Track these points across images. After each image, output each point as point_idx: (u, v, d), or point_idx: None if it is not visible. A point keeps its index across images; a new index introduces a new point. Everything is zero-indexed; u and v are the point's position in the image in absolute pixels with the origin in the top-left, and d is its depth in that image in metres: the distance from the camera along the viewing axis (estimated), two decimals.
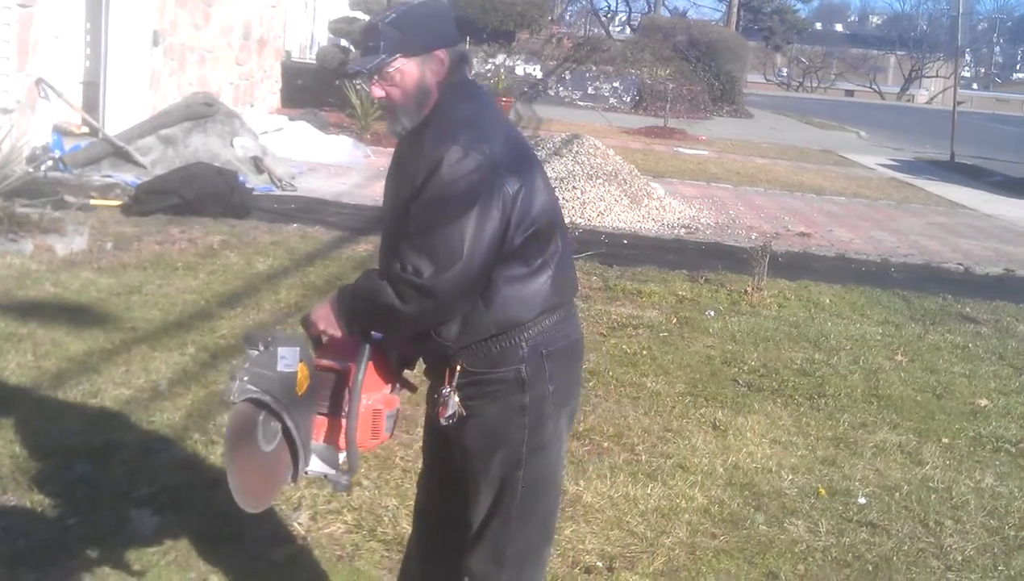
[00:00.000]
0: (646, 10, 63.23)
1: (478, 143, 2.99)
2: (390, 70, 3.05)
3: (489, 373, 3.11)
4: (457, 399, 3.11)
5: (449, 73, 3.10)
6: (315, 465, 3.16)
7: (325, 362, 3.16)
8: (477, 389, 3.12)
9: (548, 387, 3.16)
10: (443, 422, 3.12)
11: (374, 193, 12.53)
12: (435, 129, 3.06)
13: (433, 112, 3.10)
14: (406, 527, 4.31)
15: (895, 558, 4.92)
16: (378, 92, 3.08)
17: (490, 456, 3.16)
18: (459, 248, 2.92)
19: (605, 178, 13.75)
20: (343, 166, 15.20)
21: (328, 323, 3.12)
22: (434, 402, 3.18)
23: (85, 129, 13.01)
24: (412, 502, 3.66)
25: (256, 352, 3.01)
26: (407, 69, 3.05)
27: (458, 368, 3.11)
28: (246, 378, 2.97)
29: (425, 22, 3.07)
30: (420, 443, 3.80)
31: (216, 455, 5.20)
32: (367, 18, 3.21)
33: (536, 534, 3.29)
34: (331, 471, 3.18)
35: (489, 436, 3.15)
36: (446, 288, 2.94)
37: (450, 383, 3.10)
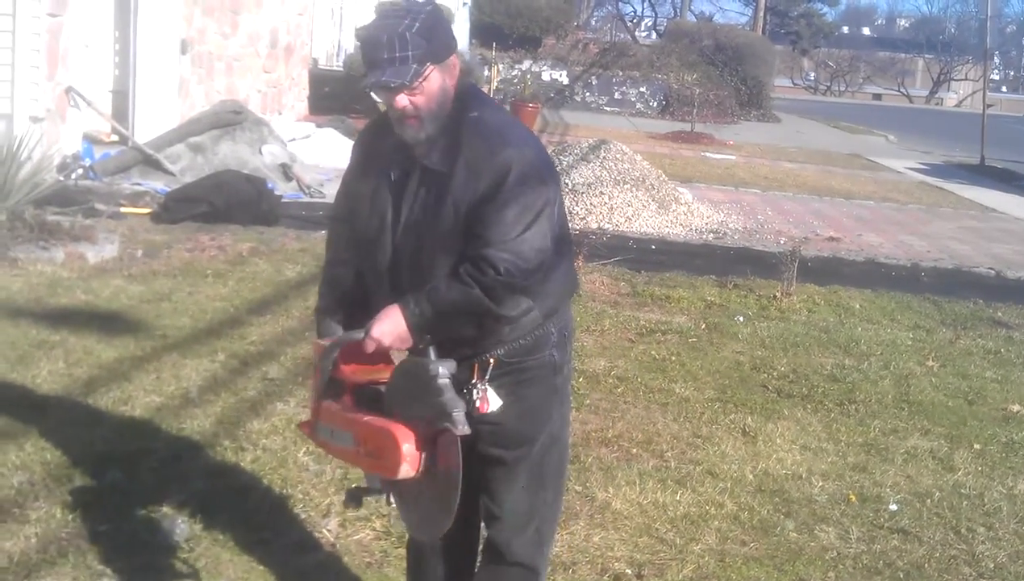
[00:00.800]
0: (672, 15, 63.20)
1: (528, 145, 3.15)
2: (420, 79, 3.06)
3: (525, 361, 3.24)
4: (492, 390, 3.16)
5: (461, 77, 3.17)
6: None
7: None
8: (513, 378, 3.23)
9: (569, 366, 3.40)
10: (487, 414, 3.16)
11: None
12: (475, 135, 3.09)
13: (452, 117, 3.12)
14: None
15: (927, 565, 4.89)
16: (403, 102, 3.06)
17: (534, 438, 3.32)
18: (544, 247, 3.10)
19: (632, 183, 13.72)
20: None
21: (396, 338, 3.07)
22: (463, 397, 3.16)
23: (115, 137, 13.09)
24: None
25: (448, 381, 3.02)
26: (432, 77, 3.07)
27: (491, 361, 3.19)
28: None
29: (442, 27, 3.10)
30: None
31: (247, 461, 5.22)
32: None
33: (559, 503, 3.57)
34: None
35: (534, 419, 3.30)
36: (539, 284, 3.16)
37: (481, 377, 3.14)
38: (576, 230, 10.56)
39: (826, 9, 66.12)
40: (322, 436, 3.29)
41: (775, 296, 9.68)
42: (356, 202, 3.30)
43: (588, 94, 33.97)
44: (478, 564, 3.60)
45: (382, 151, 3.24)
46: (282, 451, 5.37)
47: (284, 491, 4.96)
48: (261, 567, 4.35)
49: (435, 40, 3.05)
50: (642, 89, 34.08)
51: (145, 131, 13.13)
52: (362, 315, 3.22)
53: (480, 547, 3.60)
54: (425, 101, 3.07)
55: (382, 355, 3.17)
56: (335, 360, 3.19)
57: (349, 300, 3.38)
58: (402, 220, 3.16)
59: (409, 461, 2.99)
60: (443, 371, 3.00)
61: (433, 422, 2.99)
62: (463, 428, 2.95)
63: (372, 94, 3.16)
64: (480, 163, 3.06)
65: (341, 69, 24.00)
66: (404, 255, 3.17)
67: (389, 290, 3.18)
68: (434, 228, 3.11)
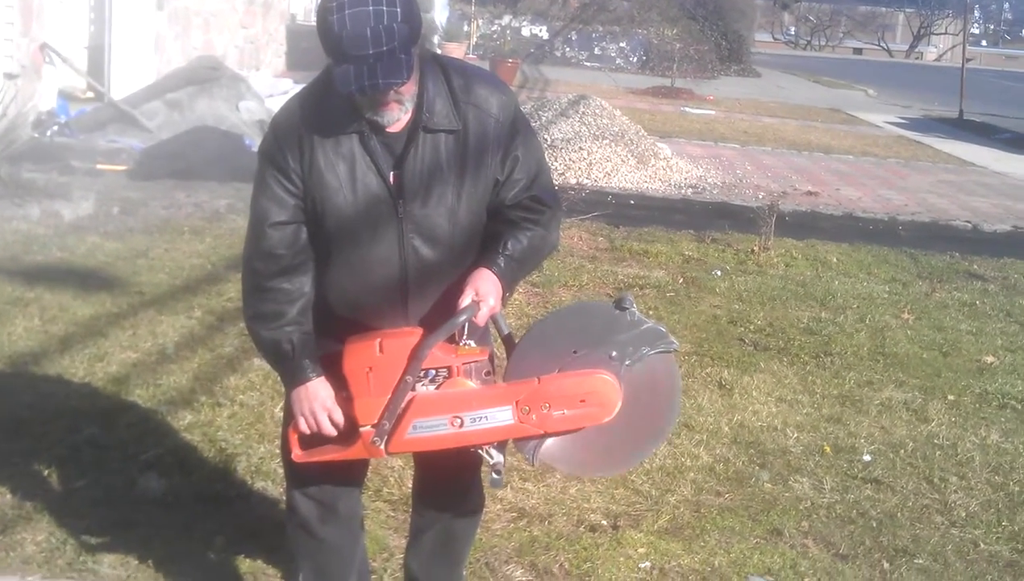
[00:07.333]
0: None
1: (505, 86, 3.17)
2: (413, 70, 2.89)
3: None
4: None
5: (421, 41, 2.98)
6: None
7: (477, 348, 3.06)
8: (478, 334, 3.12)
9: None
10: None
11: None
12: (469, 83, 3.04)
13: (428, 75, 2.99)
14: (411, 487, 4.33)
15: (899, 514, 4.94)
16: (391, 95, 2.88)
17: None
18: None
19: (612, 138, 13.70)
20: None
21: (499, 302, 3.03)
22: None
23: (90, 94, 12.98)
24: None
25: None
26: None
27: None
28: None
29: (416, 2, 2.87)
30: None
31: (224, 417, 5.24)
32: None
33: None
34: None
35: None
36: None
37: (461, 335, 3.02)
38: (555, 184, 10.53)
39: None
40: (405, 437, 3.00)
41: (753, 250, 9.70)
42: (319, 193, 3.00)
43: (568, 49, 33.79)
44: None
45: (325, 130, 3.00)
46: (259, 406, 5.38)
47: (262, 446, 4.97)
48: (238, 521, 4.36)
49: (414, 21, 2.83)
50: (622, 44, 33.90)
51: (121, 87, 13.02)
52: (326, 321, 3.12)
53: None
54: (408, 85, 2.89)
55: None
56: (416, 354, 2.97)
57: (308, 309, 3.11)
58: (407, 188, 2.99)
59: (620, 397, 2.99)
60: (632, 299, 3.02)
61: (613, 359, 2.99)
62: (677, 344, 3.06)
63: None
64: (492, 109, 3.04)
65: None
66: (418, 223, 3.02)
67: (400, 267, 3.04)
68: (455, 186, 3.02)
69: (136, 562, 4.02)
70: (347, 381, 3.03)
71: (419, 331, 3.02)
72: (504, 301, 3.07)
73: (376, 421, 3.00)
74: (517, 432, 3.00)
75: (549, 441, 3.05)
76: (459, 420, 2.97)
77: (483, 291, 2.98)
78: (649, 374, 3.03)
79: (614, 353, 2.99)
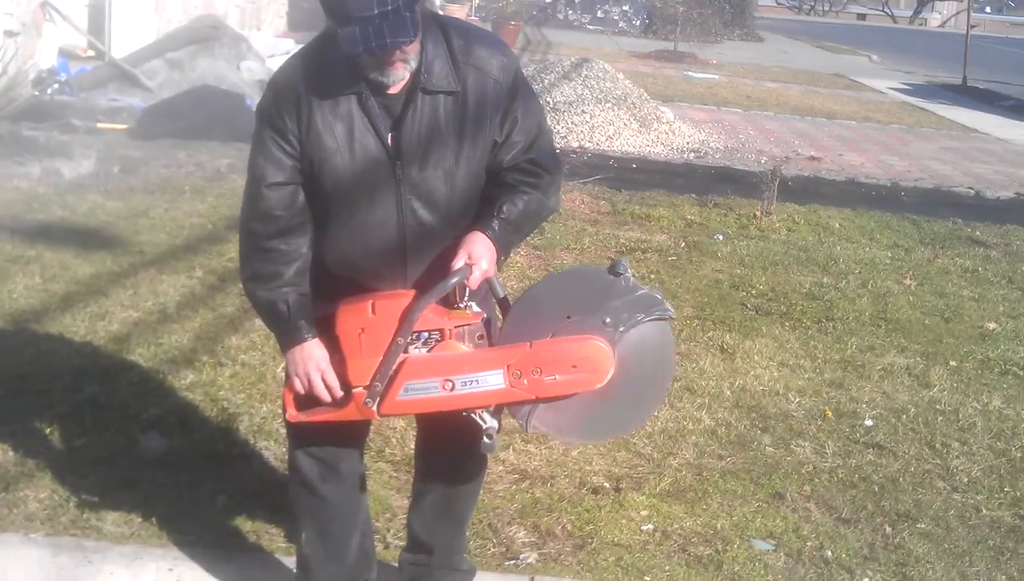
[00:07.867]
0: None
1: (506, 47, 3.13)
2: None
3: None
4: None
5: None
6: None
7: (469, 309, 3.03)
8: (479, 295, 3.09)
9: None
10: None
11: None
12: (469, 43, 3.01)
13: (426, 43, 2.94)
14: (413, 448, 4.33)
15: (901, 479, 4.94)
16: (397, 55, 2.85)
17: None
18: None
19: (614, 102, 13.64)
20: None
21: (492, 265, 3.00)
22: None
23: (91, 52, 12.91)
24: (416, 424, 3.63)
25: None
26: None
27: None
28: None
29: None
30: None
31: (225, 376, 5.23)
32: None
33: None
34: None
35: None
36: None
37: (462, 297, 3.01)
38: (556, 148, 10.53)
39: None
40: (397, 399, 3.00)
41: (755, 215, 9.67)
42: (317, 155, 2.98)
43: (570, 12, 33.61)
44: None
45: (323, 91, 2.97)
46: (261, 366, 5.37)
47: (264, 406, 4.96)
48: (240, 480, 4.37)
49: None
50: (625, 7, 33.72)
51: (122, 46, 12.95)
52: (320, 284, 3.10)
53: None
54: (414, 44, 2.87)
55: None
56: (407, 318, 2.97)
57: (305, 271, 3.11)
58: (405, 150, 2.97)
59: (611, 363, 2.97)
60: (627, 265, 2.99)
61: (607, 325, 2.96)
62: (672, 311, 3.03)
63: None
64: (492, 71, 3.01)
65: None
66: (416, 185, 3.00)
67: (398, 229, 3.03)
68: (454, 148, 3.00)
69: (139, 520, 4.03)
70: (339, 342, 3.04)
71: (412, 293, 3.02)
72: (499, 264, 3.05)
73: (368, 383, 3.01)
74: (508, 396, 2.99)
75: (542, 407, 3.04)
76: (450, 383, 2.97)
77: (476, 254, 2.96)
78: (643, 341, 3.01)
79: (608, 319, 2.97)
